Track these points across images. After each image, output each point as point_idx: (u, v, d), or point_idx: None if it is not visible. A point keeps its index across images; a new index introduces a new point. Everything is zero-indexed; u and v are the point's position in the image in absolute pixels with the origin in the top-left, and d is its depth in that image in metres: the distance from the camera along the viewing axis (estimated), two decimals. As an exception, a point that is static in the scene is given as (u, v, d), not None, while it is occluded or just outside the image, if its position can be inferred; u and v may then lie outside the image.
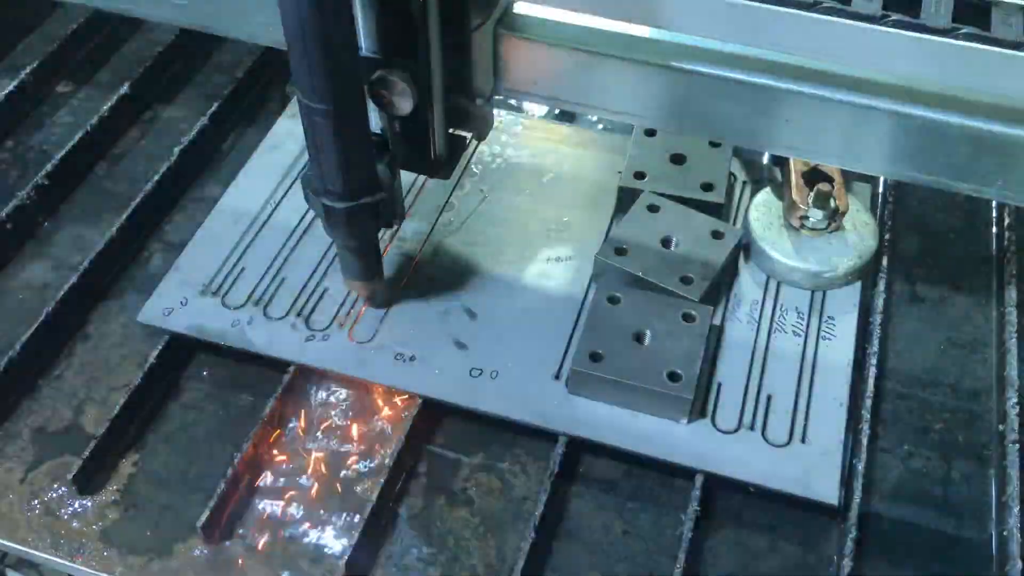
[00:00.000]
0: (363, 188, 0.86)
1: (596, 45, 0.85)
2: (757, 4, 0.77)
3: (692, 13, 0.79)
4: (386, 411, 0.98)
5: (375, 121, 0.87)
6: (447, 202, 1.14)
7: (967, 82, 0.77)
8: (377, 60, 0.83)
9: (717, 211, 1.09)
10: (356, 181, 0.85)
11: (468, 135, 0.94)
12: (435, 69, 0.84)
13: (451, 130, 0.92)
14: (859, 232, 1.06)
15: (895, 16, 0.76)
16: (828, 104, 0.82)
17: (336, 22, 0.73)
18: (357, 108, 0.80)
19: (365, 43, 0.82)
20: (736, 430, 0.94)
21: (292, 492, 0.93)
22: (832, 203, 1.03)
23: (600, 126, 1.27)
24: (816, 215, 1.03)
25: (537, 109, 1.28)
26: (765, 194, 1.10)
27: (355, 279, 0.98)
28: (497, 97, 0.91)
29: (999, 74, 0.75)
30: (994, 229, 1.14)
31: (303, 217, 1.12)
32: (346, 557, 0.86)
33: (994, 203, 1.15)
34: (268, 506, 0.92)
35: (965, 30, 0.75)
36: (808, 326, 1.02)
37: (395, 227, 1.07)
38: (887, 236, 1.09)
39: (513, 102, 1.26)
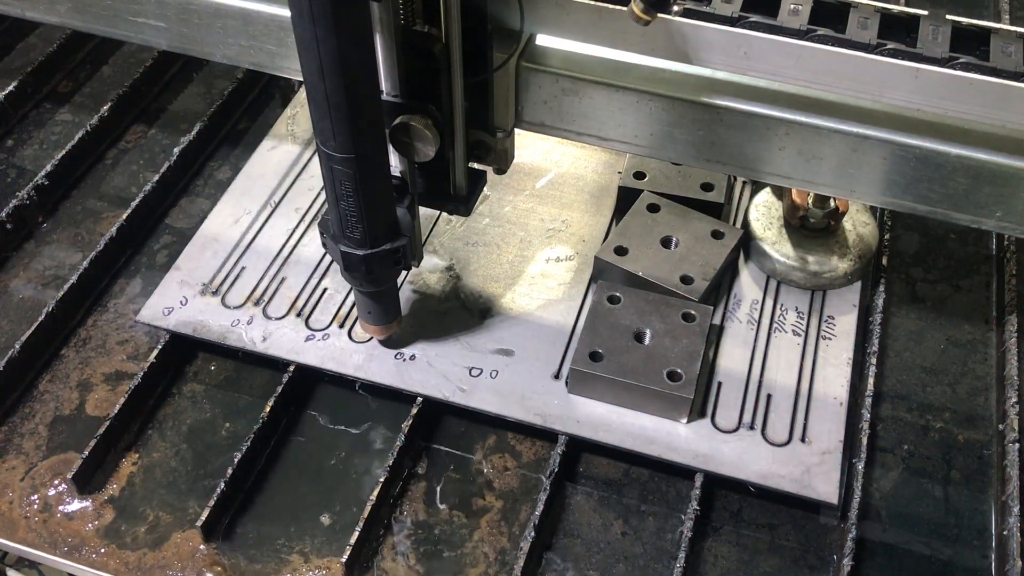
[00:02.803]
0: (384, 234, 0.84)
1: (619, 79, 0.85)
2: (757, 34, 0.78)
3: (702, 47, 0.80)
4: (386, 410, 0.98)
5: (394, 163, 0.86)
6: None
7: (965, 112, 0.76)
8: (398, 104, 0.81)
9: (717, 211, 1.09)
10: (377, 228, 0.83)
11: (487, 168, 0.93)
12: (457, 111, 0.83)
13: (471, 164, 0.91)
14: (859, 232, 1.06)
15: (892, 45, 0.76)
16: (824, 133, 0.82)
17: (359, 67, 0.71)
18: (379, 155, 0.78)
19: (386, 86, 0.80)
20: (736, 429, 0.94)
21: (292, 492, 0.93)
22: (832, 203, 1.03)
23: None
24: (816, 215, 1.03)
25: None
26: (765, 194, 1.10)
27: (373, 324, 0.96)
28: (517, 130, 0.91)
29: (997, 104, 0.75)
30: (994, 229, 1.14)
31: (302, 217, 1.12)
32: (345, 557, 0.86)
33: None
34: (268, 506, 0.92)
35: (963, 60, 0.75)
36: (808, 326, 1.02)
37: (413, 268, 1.04)
38: (887, 236, 1.09)
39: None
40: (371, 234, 0.83)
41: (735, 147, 0.86)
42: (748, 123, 0.84)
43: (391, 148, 0.83)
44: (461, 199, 0.92)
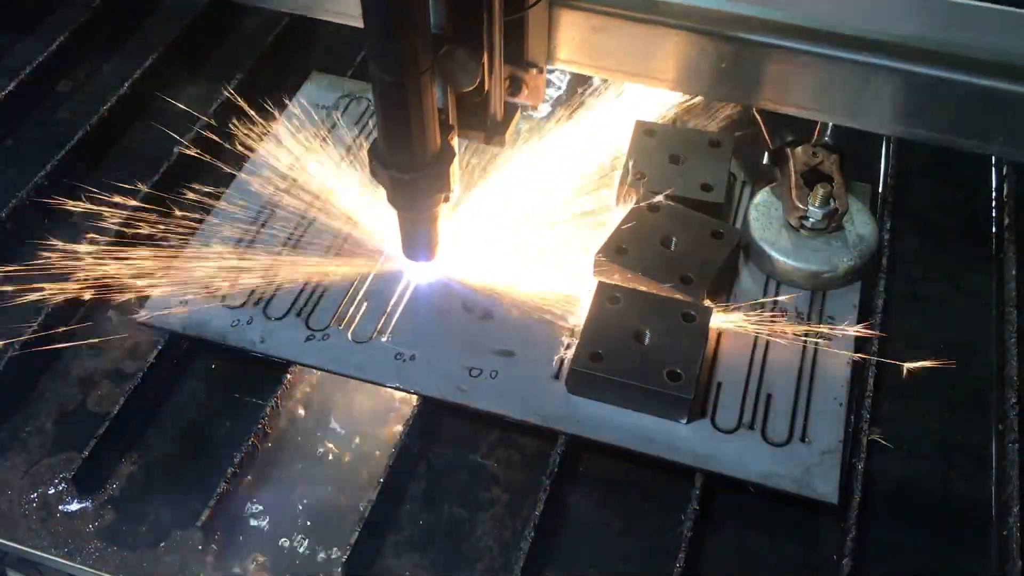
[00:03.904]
0: (429, 160, 0.90)
1: (649, 14, 0.90)
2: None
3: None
4: (385, 410, 0.98)
5: (437, 96, 0.91)
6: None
7: (969, 40, 0.78)
8: (443, 36, 0.87)
9: (717, 211, 1.09)
10: (423, 153, 0.89)
11: (520, 104, 0.98)
12: (496, 44, 0.88)
13: (505, 99, 0.96)
14: (859, 232, 1.06)
15: None
16: (838, 64, 0.84)
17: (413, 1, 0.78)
18: (427, 82, 0.84)
19: (433, 20, 0.86)
20: (736, 429, 0.94)
21: (292, 492, 0.93)
22: (832, 203, 1.03)
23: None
24: (816, 215, 1.03)
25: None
26: (765, 194, 1.10)
27: (414, 252, 1.01)
28: (550, 67, 0.97)
29: (1000, 31, 0.76)
30: (994, 229, 1.14)
31: (303, 217, 1.12)
32: (344, 558, 0.86)
33: (994, 203, 1.15)
34: (269, 506, 0.92)
35: None
36: (808, 326, 1.02)
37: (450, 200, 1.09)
38: (887, 236, 1.09)
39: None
40: (417, 159, 0.89)
41: (757, 79, 0.91)
42: (769, 55, 0.88)
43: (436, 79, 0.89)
44: (497, 127, 0.97)
